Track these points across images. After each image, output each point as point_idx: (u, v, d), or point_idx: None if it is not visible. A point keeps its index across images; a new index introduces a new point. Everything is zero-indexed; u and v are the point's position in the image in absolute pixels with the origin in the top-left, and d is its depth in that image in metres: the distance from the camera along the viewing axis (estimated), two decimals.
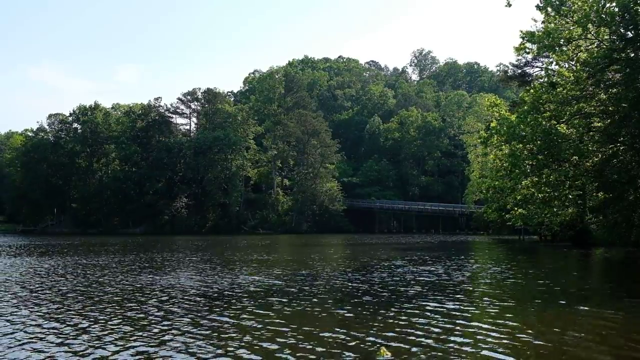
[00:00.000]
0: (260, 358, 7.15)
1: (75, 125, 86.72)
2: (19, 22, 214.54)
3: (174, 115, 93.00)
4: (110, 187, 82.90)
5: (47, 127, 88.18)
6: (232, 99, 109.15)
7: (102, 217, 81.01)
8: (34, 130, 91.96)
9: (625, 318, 10.11)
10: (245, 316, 10.08)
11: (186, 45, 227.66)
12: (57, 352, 7.45)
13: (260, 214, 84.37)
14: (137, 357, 7.20)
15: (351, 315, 10.15)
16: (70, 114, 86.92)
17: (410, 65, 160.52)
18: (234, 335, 8.49)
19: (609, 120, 23.96)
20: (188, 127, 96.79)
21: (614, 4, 21.93)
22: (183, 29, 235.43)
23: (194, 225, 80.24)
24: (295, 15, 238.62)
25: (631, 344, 8.00)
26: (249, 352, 7.41)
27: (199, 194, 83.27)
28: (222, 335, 8.44)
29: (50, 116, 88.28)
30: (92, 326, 9.11)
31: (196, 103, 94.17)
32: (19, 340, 8.07)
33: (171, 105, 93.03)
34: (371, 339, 8.08)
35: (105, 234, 70.21)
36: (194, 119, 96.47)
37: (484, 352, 7.34)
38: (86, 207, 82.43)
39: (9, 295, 12.73)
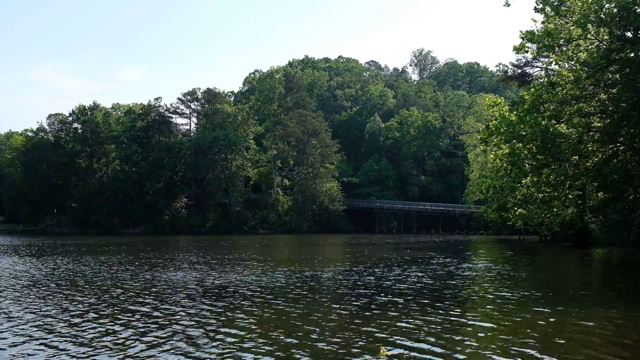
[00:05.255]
0: (260, 357, 7.16)
1: (75, 125, 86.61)
2: (20, 21, 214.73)
3: (174, 115, 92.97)
4: (110, 187, 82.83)
5: (47, 127, 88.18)
6: (232, 99, 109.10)
7: (102, 217, 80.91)
8: (34, 130, 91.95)
9: (626, 318, 10.12)
10: (245, 315, 10.10)
11: (186, 45, 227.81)
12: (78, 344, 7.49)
13: (260, 214, 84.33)
14: (138, 354, 7.22)
15: (351, 315, 10.16)
16: (70, 114, 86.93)
17: (410, 65, 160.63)
18: (234, 334, 8.50)
19: (608, 120, 23.97)
20: (188, 127, 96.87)
21: (613, 5, 21.93)
22: (183, 29, 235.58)
23: (194, 225, 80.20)
24: (295, 15, 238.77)
25: (633, 344, 8.01)
26: (249, 351, 7.42)
27: (199, 194, 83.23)
28: (222, 334, 8.45)
29: (50, 116, 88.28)
30: (101, 322, 9.15)
31: (196, 103, 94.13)
32: (30, 336, 8.14)
33: (171, 105, 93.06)
34: (371, 339, 8.09)
35: (105, 234, 70.22)
36: (194, 119, 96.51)
37: (485, 353, 7.35)
38: (86, 207, 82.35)
39: (27, 291, 12.77)
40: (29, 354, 7.36)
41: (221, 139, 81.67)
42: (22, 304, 11.58)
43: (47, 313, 10.39)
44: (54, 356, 7.24)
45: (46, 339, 8.23)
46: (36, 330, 8.83)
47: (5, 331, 8.75)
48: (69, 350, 7.55)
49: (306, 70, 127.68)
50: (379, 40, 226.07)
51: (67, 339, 8.23)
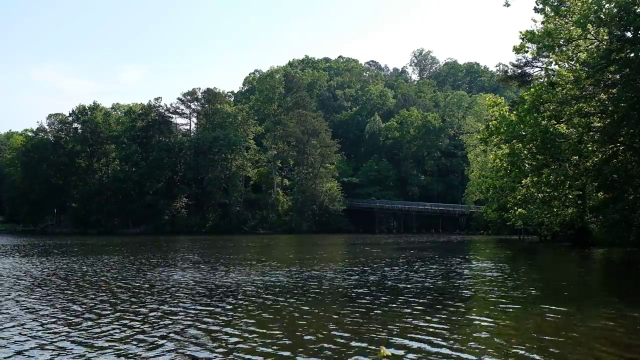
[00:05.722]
0: (262, 356, 7.18)
1: (75, 125, 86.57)
2: (20, 21, 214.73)
3: (174, 115, 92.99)
4: (110, 187, 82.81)
5: (47, 127, 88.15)
6: (232, 99, 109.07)
7: (102, 217, 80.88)
8: (34, 130, 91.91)
9: (627, 318, 10.14)
10: (246, 315, 10.13)
11: (186, 45, 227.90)
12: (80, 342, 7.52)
13: (260, 214, 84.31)
14: (160, 354, 7.25)
15: (351, 315, 10.18)
16: (70, 114, 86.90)
17: (410, 65, 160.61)
18: (234, 333, 8.52)
19: (608, 120, 23.97)
20: (188, 127, 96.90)
21: (612, 5, 21.93)
22: (183, 29, 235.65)
23: (194, 225, 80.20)
24: (295, 15, 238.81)
25: (632, 344, 8.03)
26: (249, 351, 7.44)
27: (199, 194, 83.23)
28: (223, 333, 8.47)
29: (50, 116, 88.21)
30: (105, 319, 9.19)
31: (196, 103, 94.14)
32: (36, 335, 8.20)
33: (171, 105, 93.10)
34: (371, 339, 8.10)
35: (105, 234, 70.21)
36: (194, 119, 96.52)
37: (484, 353, 7.36)
38: (86, 207, 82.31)
39: (34, 291, 12.80)
40: (53, 352, 7.42)
41: (221, 139, 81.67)
42: (37, 303, 11.69)
43: (62, 312, 10.49)
44: (77, 356, 7.30)
45: (66, 338, 8.31)
46: (55, 329, 8.92)
47: (25, 331, 8.82)
48: (88, 349, 7.61)
49: (306, 70, 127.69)
50: (379, 40, 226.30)
51: (87, 338, 8.30)
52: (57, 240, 47.74)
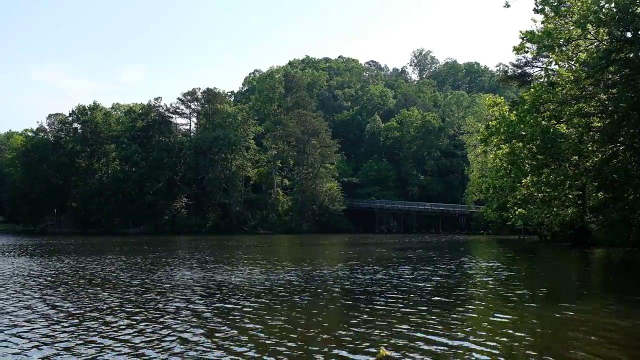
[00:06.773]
0: (260, 356, 7.20)
1: (75, 125, 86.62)
2: (20, 21, 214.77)
3: (174, 115, 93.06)
4: (110, 187, 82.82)
5: (47, 127, 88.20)
6: (232, 99, 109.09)
7: (102, 217, 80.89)
8: (34, 130, 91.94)
9: (628, 318, 10.16)
10: (246, 314, 10.15)
11: (186, 45, 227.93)
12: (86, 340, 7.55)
13: (260, 214, 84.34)
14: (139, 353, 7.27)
15: (351, 315, 10.20)
16: (70, 114, 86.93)
17: (410, 65, 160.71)
18: (235, 332, 8.54)
19: (608, 120, 24.01)
20: (188, 127, 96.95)
21: (612, 5, 21.97)
22: (183, 29, 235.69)
23: (194, 225, 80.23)
24: (295, 15, 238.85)
25: (631, 344, 8.05)
26: (249, 350, 7.47)
27: (199, 194, 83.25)
28: (223, 333, 8.49)
29: (50, 116, 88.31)
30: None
31: (196, 103, 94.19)
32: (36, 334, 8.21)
33: (171, 105, 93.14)
34: (371, 339, 8.12)
35: (105, 234, 70.22)
36: (194, 119, 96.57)
37: (484, 354, 7.39)
38: (86, 207, 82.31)
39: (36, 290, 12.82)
40: (68, 350, 7.44)
41: (221, 139, 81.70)
42: (47, 302, 11.70)
43: (76, 312, 10.51)
44: (93, 355, 7.32)
45: (82, 337, 8.34)
46: (70, 328, 8.95)
47: (40, 329, 8.87)
48: (104, 348, 7.64)
49: (306, 70, 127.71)
50: (379, 40, 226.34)
51: (103, 337, 8.33)
52: (58, 240, 47.76)
